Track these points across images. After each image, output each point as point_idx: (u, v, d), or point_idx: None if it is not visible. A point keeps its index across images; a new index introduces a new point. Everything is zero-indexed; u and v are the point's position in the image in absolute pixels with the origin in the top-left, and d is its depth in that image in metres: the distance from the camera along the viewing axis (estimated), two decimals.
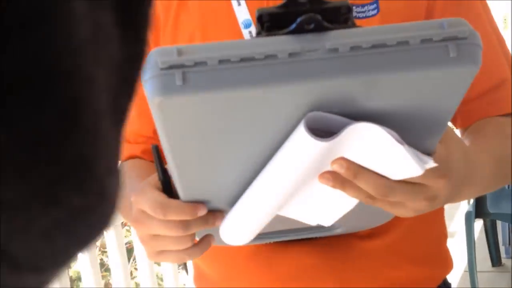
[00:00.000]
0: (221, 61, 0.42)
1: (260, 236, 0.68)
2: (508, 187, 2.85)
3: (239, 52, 0.42)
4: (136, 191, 0.62)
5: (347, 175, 0.51)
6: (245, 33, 0.71)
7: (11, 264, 0.19)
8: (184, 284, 1.98)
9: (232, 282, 0.78)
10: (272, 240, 0.72)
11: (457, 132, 0.77)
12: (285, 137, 0.48)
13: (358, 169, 0.51)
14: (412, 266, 0.78)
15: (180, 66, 0.42)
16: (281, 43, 0.44)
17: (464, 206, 3.43)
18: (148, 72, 0.42)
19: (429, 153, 0.52)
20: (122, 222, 1.70)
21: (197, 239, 0.64)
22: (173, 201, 0.59)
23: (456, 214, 3.50)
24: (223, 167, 0.53)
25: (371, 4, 0.71)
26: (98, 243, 3.44)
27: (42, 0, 0.16)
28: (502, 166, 0.69)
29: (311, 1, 0.46)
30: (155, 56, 0.42)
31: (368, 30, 0.45)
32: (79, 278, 4.01)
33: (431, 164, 0.50)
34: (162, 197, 0.59)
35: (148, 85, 0.42)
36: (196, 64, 0.42)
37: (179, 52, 0.42)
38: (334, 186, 0.52)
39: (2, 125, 0.16)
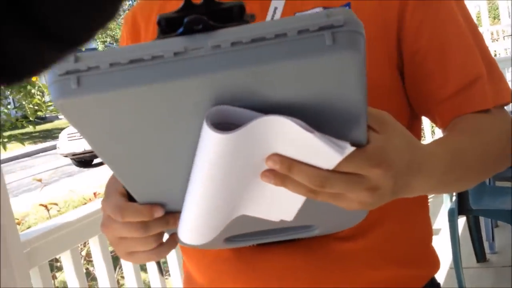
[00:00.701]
0: (112, 64, 0.46)
1: (237, 238, 0.69)
2: (489, 183, 2.88)
3: (129, 54, 0.46)
4: (105, 198, 0.67)
5: (281, 170, 0.52)
6: None
7: (44, 35, 0.21)
8: None
9: (217, 284, 0.79)
10: (252, 243, 0.73)
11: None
12: (199, 134, 0.50)
13: (291, 163, 0.51)
14: (396, 266, 0.78)
15: (75, 71, 0.46)
16: (168, 44, 0.46)
17: (447, 203, 3.46)
18: (49, 78, 0.47)
19: (359, 144, 0.52)
20: None
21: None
22: (130, 204, 0.62)
23: (439, 211, 3.54)
24: (155, 168, 0.56)
25: (344, 6, 0.72)
26: (83, 252, 3.40)
27: None
28: (461, 160, 0.67)
29: (206, 4, 0.49)
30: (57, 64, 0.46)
31: (251, 26, 0.47)
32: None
33: (349, 148, 0.51)
34: (122, 201, 0.63)
35: (51, 90, 0.47)
36: (90, 68, 0.46)
37: (76, 59, 0.47)
38: (276, 183, 0.53)
39: None
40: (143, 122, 0.49)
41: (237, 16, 0.50)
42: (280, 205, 0.60)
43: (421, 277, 0.82)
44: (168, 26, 0.49)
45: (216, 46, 0.45)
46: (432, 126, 4.13)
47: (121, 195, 0.64)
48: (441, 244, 2.85)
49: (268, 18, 0.72)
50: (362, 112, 0.51)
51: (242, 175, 0.54)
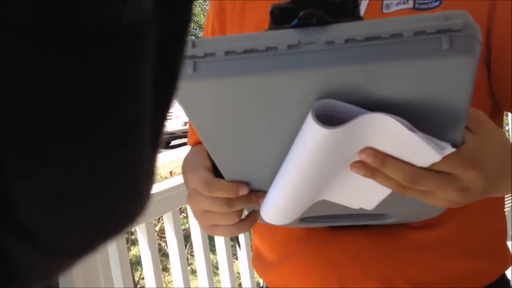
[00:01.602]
0: (227, 52, 0.47)
1: (312, 219, 0.71)
2: None
3: (244, 44, 0.47)
4: (191, 172, 0.70)
5: (374, 164, 0.52)
6: None
7: (45, 250, 0.21)
8: (238, 273, 2.02)
9: (287, 263, 0.80)
10: (326, 224, 0.74)
11: None
12: (301, 123, 0.51)
13: (385, 157, 0.52)
14: (467, 258, 0.77)
15: (192, 57, 0.48)
16: (282, 36, 0.47)
17: None
18: None
19: (455, 145, 0.52)
20: (180, 209, 1.75)
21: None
22: (218, 180, 0.65)
23: None
24: (251, 150, 0.58)
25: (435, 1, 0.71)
26: (157, 228, 3.53)
27: None
28: None
29: None
30: None
31: (365, 24, 0.47)
32: (137, 262, 4.12)
33: (449, 149, 0.51)
34: (209, 176, 0.67)
35: None
36: (206, 55, 0.48)
37: (193, 44, 0.48)
38: (365, 175, 0.54)
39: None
40: (250, 108, 0.52)
41: (350, 10, 0.50)
42: (364, 194, 0.61)
43: (493, 272, 0.80)
44: (281, 17, 0.50)
45: (330, 42, 0.46)
46: None
47: (208, 170, 0.68)
48: None
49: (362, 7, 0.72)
50: (464, 114, 0.51)
51: (333, 165, 0.55)
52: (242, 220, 0.69)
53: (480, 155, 0.54)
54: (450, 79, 0.47)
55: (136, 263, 4.25)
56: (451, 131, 0.52)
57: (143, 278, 3.07)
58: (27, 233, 0.19)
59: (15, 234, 0.19)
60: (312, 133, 0.50)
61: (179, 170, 0.78)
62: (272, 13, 0.51)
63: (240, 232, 0.71)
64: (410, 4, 0.71)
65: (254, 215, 0.70)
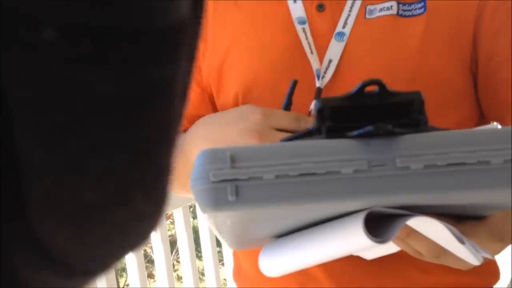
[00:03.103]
0: (278, 176, 0.39)
1: None
2: None
3: (298, 165, 0.39)
4: (220, 124, 0.67)
5: (400, 235, 0.50)
6: (299, 29, 0.71)
7: (65, 270, 0.19)
8: (225, 279, 2.00)
9: (268, 279, 0.79)
10: None
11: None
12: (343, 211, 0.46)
13: (411, 230, 0.50)
14: (452, 273, 0.76)
15: (233, 180, 0.39)
16: (344, 153, 0.40)
17: None
18: (198, 181, 0.40)
19: (484, 216, 0.51)
20: (166, 215, 1.73)
21: None
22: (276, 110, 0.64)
23: None
24: (262, 240, 0.54)
25: (418, 2, 0.70)
26: None
27: None
28: None
29: (380, 94, 0.42)
30: (207, 163, 0.40)
31: (443, 141, 0.40)
32: (122, 269, 4.10)
33: (487, 256, 0.50)
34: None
35: (198, 195, 0.41)
36: (251, 178, 0.39)
37: (232, 160, 0.39)
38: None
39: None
40: (285, 221, 0.47)
41: (416, 111, 0.43)
42: (370, 250, 0.59)
43: (480, 286, 0.79)
44: (335, 119, 0.42)
45: (405, 168, 0.39)
46: None
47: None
48: (504, 258, 2.75)
49: (345, 13, 0.71)
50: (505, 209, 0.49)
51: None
52: None
53: (506, 225, 0.53)
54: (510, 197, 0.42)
55: (121, 269, 4.22)
56: (488, 212, 0.51)
57: (128, 285, 3.04)
58: (45, 253, 0.18)
59: (31, 254, 0.18)
60: (359, 239, 0.45)
61: None
62: (320, 111, 0.43)
63: None
64: (394, 11, 0.70)
65: None
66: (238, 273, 0.86)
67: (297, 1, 0.72)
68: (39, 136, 0.17)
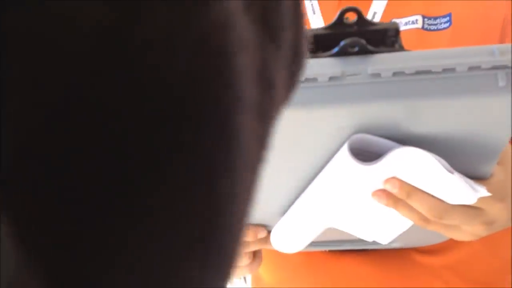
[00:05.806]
0: None
1: (314, 243, 0.69)
2: None
3: None
4: None
5: (400, 195, 0.51)
6: None
7: None
8: None
9: (286, 284, 0.79)
10: (327, 249, 0.72)
11: None
12: (331, 155, 0.48)
13: (411, 189, 0.51)
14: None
15: None
16: (322, 66, 0.44)
17: None
18: None
19: (485, 177, 0.51)
20: None
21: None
22: None
23: None
24: (273, 181, 0.54)
25: (443, 17, 0.70)
26: None
27: None
28: None
29: (358, 22, 0.46)
30: None
31: (412, 55, 0.44)
32: None
33: (483, 193, 0.49)
34: None
35: None
36: None
37: None
38: (387, 205, 0.52)
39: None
40: (281, 141, 0.47)
41: (392, 39, 0.46)
42: (381, 227, 0.59)
43: None
44: (317, 44, 0.46)
45: (376, 75, 0.43)
46: None
47: None
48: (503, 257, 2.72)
49: None
50: (501, 149, 0.49)
51: (357, 196, 0.53)
52: (253, 260, 0.68)
53: (507, 187, 0.54)
54: (498, 116, 0.45)
55: None
56: (484, 164, 0.51)
57: None
58: None
59: None
60: (346, 167, 0.47)
61: None
62: None
63: (251, 272, 0.70)
64: (419, 25, 0.70)
65: (259, 254, 0.68)
66: (256, 280, 0.86)
67: (316, 12, 0.71)
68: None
